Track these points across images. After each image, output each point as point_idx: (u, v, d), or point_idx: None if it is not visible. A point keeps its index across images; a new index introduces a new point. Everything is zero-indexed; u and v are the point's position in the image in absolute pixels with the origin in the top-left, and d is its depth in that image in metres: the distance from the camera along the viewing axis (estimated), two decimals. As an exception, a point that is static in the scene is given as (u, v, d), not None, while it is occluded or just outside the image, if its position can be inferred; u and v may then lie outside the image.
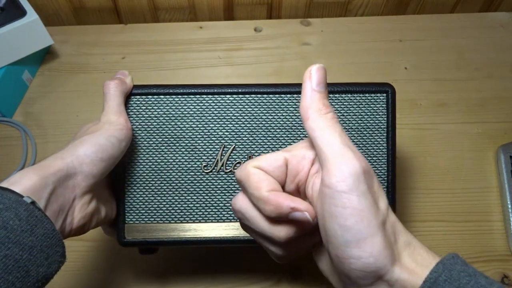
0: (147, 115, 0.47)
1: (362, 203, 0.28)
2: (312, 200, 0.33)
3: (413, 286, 0.28)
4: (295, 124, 0.47)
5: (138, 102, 0.47)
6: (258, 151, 0.47)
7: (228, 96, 0.47)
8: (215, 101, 0.47)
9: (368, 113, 0.47)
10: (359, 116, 0.47)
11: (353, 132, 0.47)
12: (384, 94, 0.47)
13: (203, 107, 0.47)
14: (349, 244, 0.28)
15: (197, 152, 0.47)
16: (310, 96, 0.32)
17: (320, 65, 0.32)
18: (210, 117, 0.47)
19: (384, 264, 0.28)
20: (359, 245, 0.28)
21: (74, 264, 0.59)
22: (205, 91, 0.47)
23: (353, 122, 0.47)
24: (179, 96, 0.47)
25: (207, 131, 0.47)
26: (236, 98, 0.47)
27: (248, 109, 0.47)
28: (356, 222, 0.28)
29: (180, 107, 0.47)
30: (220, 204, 0.47)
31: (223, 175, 0.47)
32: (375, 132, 0.47)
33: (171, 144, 0.47)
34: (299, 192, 0.35)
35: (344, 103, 0.47)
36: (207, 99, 0.47)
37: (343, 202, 0.28)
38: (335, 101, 0.47)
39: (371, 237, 0.28)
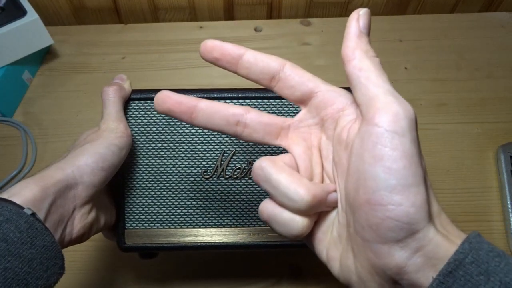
0: (146, 120, 0.46)
1: (413, 149, 0.26)
2: (346, 143, 0.30)
3: (447, 251, 0.25)
4: None
5: (137, 107, 0.46)
6: (258, 157, 0.46)
7: (228, 101, 0.46)
8: None
9: None
10: None
11: None
12: None
13: None
14: (392, 189, 0.25)
15: (196, 157, 0.46)
16: (358, 36, 0.29)
17: (367, 9, 0.30)
18: None
19: (422, 218, 0.25)
20: (402, 192, 0.25)
21: (74, 264, 0.59)
22: (205, 96, 0.46)
23: None
24: None
25: (206, 136, 0.46)
26: (236, 103, 0.46)
27: None
28: (404, 166, 0.25)
29: None
30: (220, 210, 0.47)
31: (223, 181, 0.46)
32: None
33: (171, 150, 0.46)
34: (323, 127, 0.32)
35: None
36: None
37: (394, 144, 0.25)
38: None
39: (416, 186, 0.25)
